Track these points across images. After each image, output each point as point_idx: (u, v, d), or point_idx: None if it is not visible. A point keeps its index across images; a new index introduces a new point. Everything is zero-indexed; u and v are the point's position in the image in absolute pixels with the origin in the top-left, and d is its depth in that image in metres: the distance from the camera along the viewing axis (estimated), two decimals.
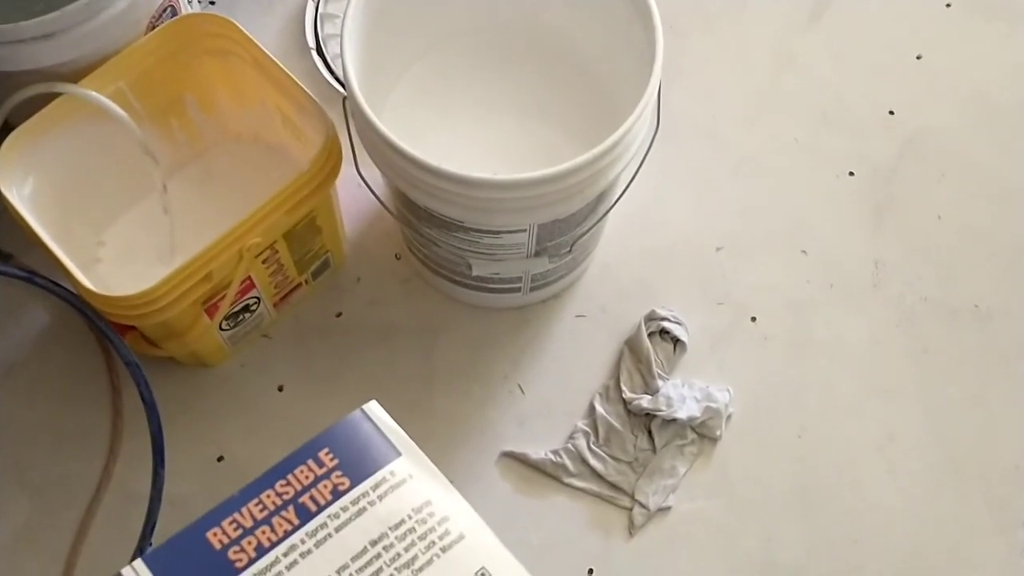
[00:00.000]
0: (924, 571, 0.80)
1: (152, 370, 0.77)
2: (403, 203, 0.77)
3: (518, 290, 0.85)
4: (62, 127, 0.76)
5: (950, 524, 0.82)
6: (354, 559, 0.51)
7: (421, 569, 0.51)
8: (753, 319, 0.89)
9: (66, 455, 0.83)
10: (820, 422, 0.85)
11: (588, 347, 0.87)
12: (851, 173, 0.95)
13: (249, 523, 0.52)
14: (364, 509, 0.52)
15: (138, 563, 0.50)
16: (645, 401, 0.83)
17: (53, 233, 0.72)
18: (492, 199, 0.69)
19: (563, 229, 0.76)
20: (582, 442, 0.83)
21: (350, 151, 0.77)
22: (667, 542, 0.81)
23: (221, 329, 0.81)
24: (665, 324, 0.86)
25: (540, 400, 0.86)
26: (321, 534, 0.52)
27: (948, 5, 1.03)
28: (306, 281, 0.86)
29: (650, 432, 0.83)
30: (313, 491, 0.53)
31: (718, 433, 0.83)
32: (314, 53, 0.96)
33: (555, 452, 0.83)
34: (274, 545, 0.51)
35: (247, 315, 0.82)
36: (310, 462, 0.53)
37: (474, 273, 0.80)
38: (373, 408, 0.56)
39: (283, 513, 0.52)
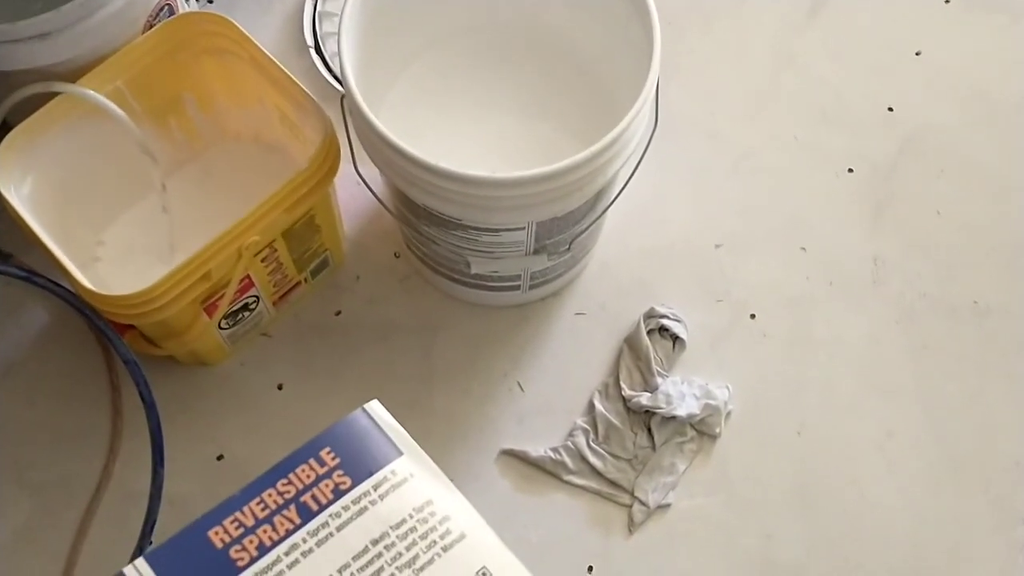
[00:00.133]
0: (924, 567, 0.80)
1: (151, 369, 0.77)
2: (402, 201, 0.77)
3: (517, 288, 0.85)
4: (60, 126, 0.76)
5: (950, 521, 0.82)
6: (355, 558, 0.51)
7: (422, 568, 0.51)
8: (752, 316, 0.89)
9: (66, 454, 0.83)
10: (819, 419, 0.85)
11: (587, 345, 0.87)
12: (850, 170, 0.95)
13: (251, 522, 0.52)
14: (365, 508, 0.52)
15: (140, 562, 0.50)
16: (644, 398, 0.83)
17: (52, 232, 0.72)
18: (491, 197, 0.69)
19: (562, 227, 0.76)
20: (581, 440, 0.83)
21: (349, 150, 0.77)
22: (667, 539, 0.81)
23: (220, 328, 0.81)
24: (664, 321, 0.86)
25: (539, 398, 0.86)
26: (322, 533, 0.52)
27: (947, 1, 1.03)
28: (305, 280, 0.86)
29: (649, 429, 0.83)
30: (314, 490, 0.53)
31: (717, 430, 0.84)
32: (312, 51, 0.96)
33: (555, 450, 0.83)
34: (275, 544, 0.51)
35: (246, 314, 0.82)
36: (311, 461, 0.53)
37: (473, 271, 0.80)
38: (374, 407, 0.56)
39: (284, 512, 0.52)
